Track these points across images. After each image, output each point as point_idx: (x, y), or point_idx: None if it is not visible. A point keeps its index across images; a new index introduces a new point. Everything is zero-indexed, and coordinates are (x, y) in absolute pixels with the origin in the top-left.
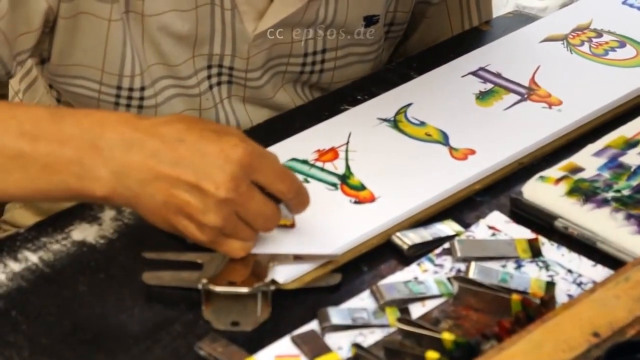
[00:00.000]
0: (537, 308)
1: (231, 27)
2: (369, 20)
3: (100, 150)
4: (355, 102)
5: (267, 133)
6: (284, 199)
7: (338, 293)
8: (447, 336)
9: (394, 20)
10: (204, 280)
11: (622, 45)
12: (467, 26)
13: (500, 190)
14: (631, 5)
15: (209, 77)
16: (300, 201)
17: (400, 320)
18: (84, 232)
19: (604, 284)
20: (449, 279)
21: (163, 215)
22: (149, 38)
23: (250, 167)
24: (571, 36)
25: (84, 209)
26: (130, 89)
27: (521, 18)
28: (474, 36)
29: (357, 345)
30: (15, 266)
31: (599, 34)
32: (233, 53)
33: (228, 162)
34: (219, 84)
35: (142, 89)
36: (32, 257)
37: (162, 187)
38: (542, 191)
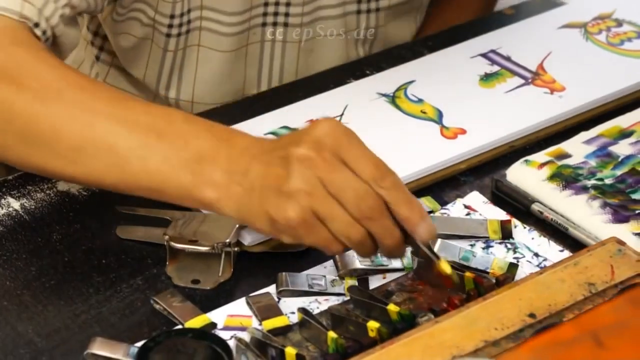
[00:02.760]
0: (490, 287)
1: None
2: None
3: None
4: (361, 75)
5: (271, 101)
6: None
7: (304, 260)
8: (392, 307)
9: None
10: (167, 237)
11: None
12: None
13: (486, 171)
14: None
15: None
16: (405, 201)
17: (351, 289)
18: (69, 184)
19: (553, 267)
20: (411, 253)
21: (262, 209)
22: None
23: (336, 141)
24: (591, 24)
25: None
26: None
27: (548, 3)
28: (496, 19)
29: (303, 310)
30: None
31: (619, 23)
32: None
33: (313, 131)
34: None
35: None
36: (14, 204)
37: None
38: (524, 174)
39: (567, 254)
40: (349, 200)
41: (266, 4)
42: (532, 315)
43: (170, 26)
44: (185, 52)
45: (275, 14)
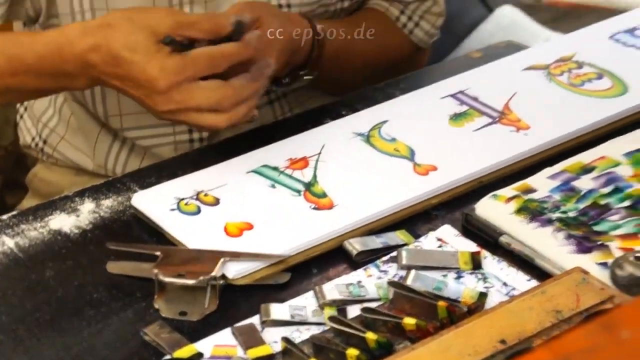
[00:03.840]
0: (462, 315)
1: None
2: None
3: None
4: (338, 116)
5: (249, 140)
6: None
7: (285, 291)
8: (371, 336)
9: None
10: (155, 271)
11: (600, 77)
12: None
13: (457, 205)
14: (617, 40)
15: None
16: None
17: (331, 318)
18: (61, 222)
19: (522, 296)
20: (388, 284)
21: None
22: None
23: (178, 84)
24: (553, 66)
25: (67, 201)
26: None
27: (512, 47)
28: (464, 62)
29: (285, 339)
30: None
31: (580, 65)
32: None
33: (156, 90)
34: None
35: None
36: (9, 242)
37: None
38: (492, 208)
39: (534, 283)
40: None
41: None
42: (502, 342)
43: None
44: None
45: None
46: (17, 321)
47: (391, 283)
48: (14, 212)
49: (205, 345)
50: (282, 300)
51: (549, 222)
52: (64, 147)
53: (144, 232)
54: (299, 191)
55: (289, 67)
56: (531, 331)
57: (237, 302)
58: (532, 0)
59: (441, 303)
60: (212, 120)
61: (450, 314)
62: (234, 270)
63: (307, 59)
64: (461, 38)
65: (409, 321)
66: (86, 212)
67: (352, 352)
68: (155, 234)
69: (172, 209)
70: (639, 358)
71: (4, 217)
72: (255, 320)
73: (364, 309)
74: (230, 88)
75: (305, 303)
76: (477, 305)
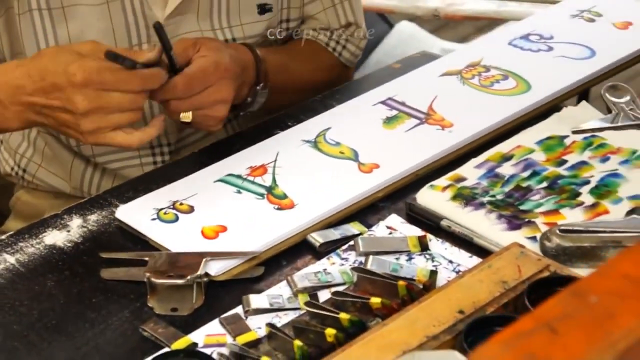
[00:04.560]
0: (419, 292)
1: (142, 15)
2: (262, 9)
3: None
4: (285, 127)
5: (211, 153)
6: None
7: (261, 283)
8: (344, 316)
9: (289, 16)
10: (148, 274)
11: (505, 78)
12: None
13: (399, 197)
14: (515, 46)
15: None
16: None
17: (307, 303)
18: (54, 238)
19: (471, 271)
20: (351, 269)
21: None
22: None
23: (92, 82)
24: (465, 71)
25: (57, 219)
26: None
27: (427, 57)
28: (387, 72)
29: (270, 325)
30: None
31: (487, 69)
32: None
33: (74, 86)
34: None
35: None
36: (10, 259)
37: (46, 113)
38: (431, 197)
39: (475, 259)
40: (126, 107)
41: None
42: (461, 312)
43: None
44: None
45: None
46: (27, 328)
47: (354, 268)
48: (11, 232)
49: (198, 336)
50: (259, 291)
51: (481, 205)
52: (42, 174)
53: (129, 240)
54: (262, 195)
55: (244, 90)
56: (484, 300)
57: (221, 296)
58: (430, 15)
59: (401, 282)
60: (124, 139)
61: (409, 292)
62: (215, 268)
63: (257, 75)
64: (369, 51)
65: (375, 300)
66: (75, 227)
67: (330, 331)
68: (140, 242)
69: (153, 219)
70: (607, 317)
71: (2, 237)
72: (239, 310)
73: (334, 293)
74: (140, 97)
75: (280, 292)
76: (431, 282)
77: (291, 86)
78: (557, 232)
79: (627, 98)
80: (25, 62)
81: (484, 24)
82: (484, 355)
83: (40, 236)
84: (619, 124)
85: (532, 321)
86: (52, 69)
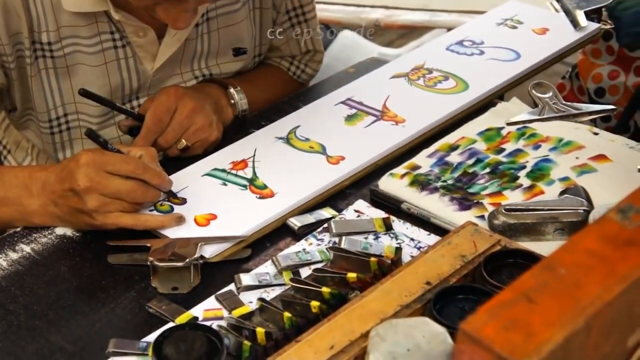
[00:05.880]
0: (388, 267)
1: (135, 70)
2: (237, 52)
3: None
4: (260, 126)
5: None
6: (137, 176)
7: (249, 263)
8: (325, 289)
9: (261, 51)
10: (151, 258)
11: (446, 78)
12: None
13: (363, 184)
14: (452, 50)
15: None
16: (154, 176)
17: (292, 279)
18: (64, 228)
19: (434, 247)
20: (327, 249)
21: (73, 220)
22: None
23: (94, 162)
24: (411, 73)
25: None
26: (58, 118)
27: (377, 62)
28: (344, 76)
29: (261, 299)
30: (13, 255)
31: (430, 71)
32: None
33: (78, 165)
34: None
35: (66, 115)
36: (26, 248)
37: (60, 202)
38: (391, 183)
39: (433, 236)
40: (125, 196)
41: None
42: (428, 283)
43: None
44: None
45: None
46: (47, 308)
47: (331, 248)
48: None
49: (197, 311)
50: (248, 270)
51: (435, 189)
52: None
53: (131, 230)
54: (245, 186)
55: (222, 102)
56: (447, 272)
57: (215, 275)
58: (372, 24)
59: (372, 259)
60: (121, 220)
61: (380, 267)
62: (209, 251)
63: (223, 86)
64: None
65: (352, 275)
66: None
67: (314, 303)
68: (141, 231)
69: (151, 210)
70: (575, 287)
71: (18, 229)
72: (231, 287)
73: (315, 270)
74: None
75: (267, 270)
76: (398, 258)
77: (256, 106)
78: (503, 211)
79: (551, 94)
80: (48, 166)
81: (405, 31)
82: (474, 324)
83: (51, 228)
84: (546, 116)
85: (512, 292)
86: (67, 160)
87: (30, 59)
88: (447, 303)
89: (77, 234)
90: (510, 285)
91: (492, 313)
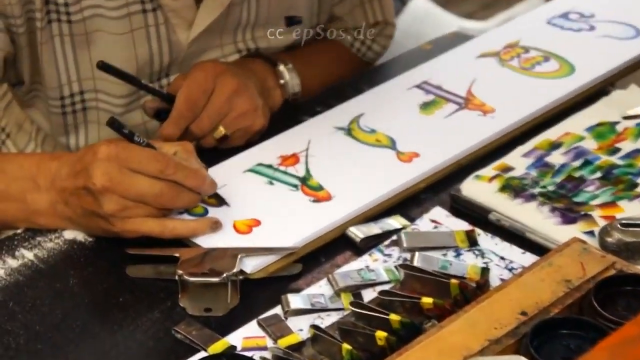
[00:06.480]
0: (473, 291)
1: (167, 41)
2: (291, 21)
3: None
4: (314, 114)
5: None
6: (166, 177)
7: (299, 281)
8: (394, 317)
9: (319, 20)
10: (180, 272)
11: (547, 59)
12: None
13: (441, 188)
14: (554, 25)
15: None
16: (189, 176)
17: (352, 303)
18: (74, 232)
19: (531, 269)
20: (396, 266)
21: (86, 223)
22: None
23: (117, 157)
24: (503, 52)
25: None
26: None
27: (459, 38)
28: (418, 54)
29: (314, 327)
30: (12, 263)
31: (527, 50)
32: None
33: (96, 159)
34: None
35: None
36: (28, 255)
37: (72, 201)
38: (477, 188)
39: (528, 255)
40: (151, 200)
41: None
42: (523, 313)
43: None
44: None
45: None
46: (51, 329)
47: (401, 266)
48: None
49: (235, 338)
50: (297, 290)
51: (532, 197)
52: None
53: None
54: (296, 186)
55: (270, 83)
56: (548, 301)
57: (256, 295)
58: None
59: (453, 281)
60: (144, 226)
61: (462, 291)
62: (251, 265)
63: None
64: None
65: (427, 300)
66: None
67: (380, 334)
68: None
69: (181, 212)
70: None
71: (19, 231)
72: (277, 310)
73: (382, 292)
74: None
75: (321, 291)
76: (484, 281)
77: (308, 89)
78: (618, 226)
79: None
80: (60, 154)
81: (490, 1)
82: None
83: (60, 231)
84: None
85: (637, 327)
86: (83, 151)
87: (42, 22)
88: (548, 339)
89: (90, 239)
90: (635, 319)
91: (613, 352)
